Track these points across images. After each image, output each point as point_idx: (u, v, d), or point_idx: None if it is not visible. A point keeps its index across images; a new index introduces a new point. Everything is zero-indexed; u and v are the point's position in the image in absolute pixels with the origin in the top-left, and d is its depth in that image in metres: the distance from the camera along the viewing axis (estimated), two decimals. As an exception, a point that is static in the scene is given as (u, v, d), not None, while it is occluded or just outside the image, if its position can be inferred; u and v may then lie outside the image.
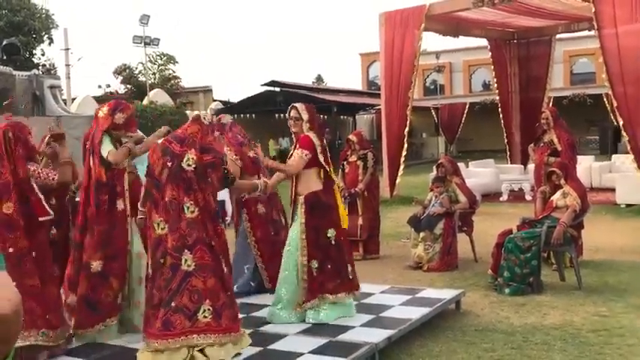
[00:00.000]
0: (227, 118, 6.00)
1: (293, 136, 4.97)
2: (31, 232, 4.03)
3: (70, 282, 4.56)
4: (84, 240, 4.48)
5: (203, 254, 3.93)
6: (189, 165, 3.94)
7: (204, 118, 4.08)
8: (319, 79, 50.99)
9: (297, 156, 4.69)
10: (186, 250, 3.89)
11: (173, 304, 3.85)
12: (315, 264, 4.65)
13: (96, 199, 4.46)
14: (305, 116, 4.79)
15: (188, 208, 3.93)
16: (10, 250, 3.89)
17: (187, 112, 20.86)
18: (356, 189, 7.69)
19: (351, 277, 4.80)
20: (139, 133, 4.87)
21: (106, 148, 4.48)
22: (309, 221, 4.66)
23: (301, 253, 4.66)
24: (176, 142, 4.02)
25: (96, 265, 4.43)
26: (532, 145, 7.57)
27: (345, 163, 8.00)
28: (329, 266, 4.68)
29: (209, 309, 3.87)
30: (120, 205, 4.52)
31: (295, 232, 4.73)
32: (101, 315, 4.44)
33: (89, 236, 4.46)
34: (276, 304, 4.76)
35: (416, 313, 4.83)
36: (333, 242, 4.71)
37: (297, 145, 4.74)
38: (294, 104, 4.90)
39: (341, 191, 7.53)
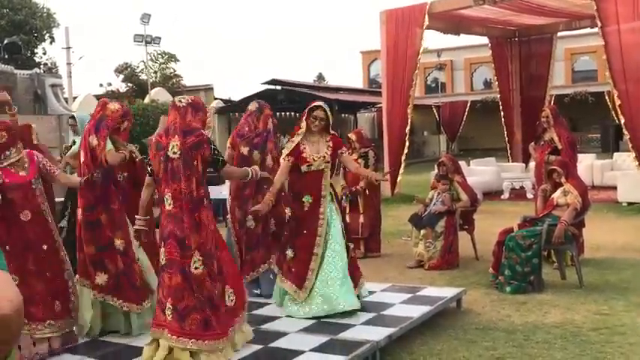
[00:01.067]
0: (253, 105, 5.89)
1: (301, 130, 4.92)
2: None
3: (94, 261, 4.46)
4: (98, 218, 4.47)
5: (171, 249, 3.79)
6: (174, 153, 3.83)
7: (180, 101, 3.99)
8: (320, 77, 50.99)
9: (351, 158, 5.17)
10: (162, 244, 3.87)
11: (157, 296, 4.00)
12: (350, 245, 5.12)
13: (104, 181, 4.53)
14: (331, 119, 4.94)
15: (167, 200, 3.85)
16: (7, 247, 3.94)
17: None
18: (357, 187, 7.68)
19: None
20: (130, 146, 5.00)
21: (107, 147, 4.54)
22: (341, 210, 5.10)
23: (347, 240, 5.00)
24: (164, 135, 3.95)
25: (119, 244, 4.49)
26: (533, 143, 7.56)
27: None
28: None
29: (170, 307, 3.78)
30: (115, 204, 4.62)
31: (336, 225, 4.90)
32: (143, 292, 4.51)
33: (106, 214, 4.49)
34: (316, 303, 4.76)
35: (417, 311, 4.83)
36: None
37: (340, 147, 4.96)
38: (321, 104, 4.97)
39: (342, 189, 7.54)
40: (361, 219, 7.70)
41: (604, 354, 4.18)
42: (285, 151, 4.95)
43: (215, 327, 3.78)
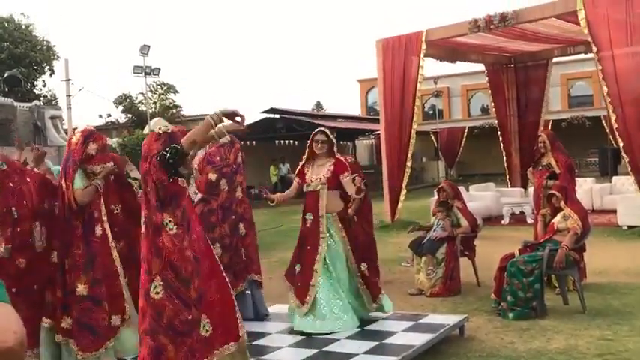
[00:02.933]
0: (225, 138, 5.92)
1: (306, 155, 5.37)
2: None
3: (59, 305, 4.50)
4: (63, 262, 4.49)
5: (142, 272, 3.78)
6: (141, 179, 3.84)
7: (160, 129, 3.90)
8: (318, 105, 51.29)
9: (350, 179, 5.20)
10: None
11: None
12: (364, 265, 5.38)
13: (69, 223, 4.49)
14: (333, 140, 5.33)
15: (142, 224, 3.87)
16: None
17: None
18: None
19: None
20: (110, 164, 4.77)
21: (75, 185, 4.50)
22: (348, 233, 5.30)
23: (350, 261, 5.27)
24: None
25: (81, 289, 4.45)
26: (531, 168, 7.59)
27: None
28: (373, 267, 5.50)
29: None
30: (98, 230, 4.56)
31: (335, 247, 5.21)
32: (100, 338, 4.47)
33: (69, 260, 4.47)
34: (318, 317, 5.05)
35: (420, 339, 4.79)
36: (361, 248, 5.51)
37: (342, 170, 5.25)
38: (321, 128, 5.41)
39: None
40: None
41: (609, 380, 4.15)
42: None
43: (171, 357, 3.61)
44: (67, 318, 4.49)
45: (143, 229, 3.80)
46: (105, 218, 4.67)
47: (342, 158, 5.40)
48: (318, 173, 5.27)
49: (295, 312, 5.18)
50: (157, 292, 3.64)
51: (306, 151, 5.38)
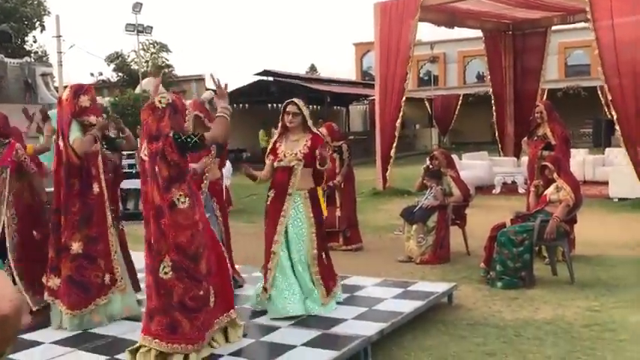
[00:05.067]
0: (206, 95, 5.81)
1: (279, 129, 4.91)
2: None
3: (52, 265, 4.53)
4: (59, 221, 4.49)
5: (146, 252, 3.80)
6: (145, 155, 3.77)
7: (160, 101, 3.81)
8: (313, 68, 50.80)
9: (327, 155, 4.85)
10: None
11: None
12: (324, 254, 4.86)
13: (67, 182, 4.47)
14: (306, 112, 4.82)
15: (142, 202, 3.88)
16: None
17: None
18: (334, 181, 7.69)
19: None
20: (101, 119, 4.72)
21: (73, 136, 4.45)
22: (316, 215, 4.80)
23: (311, 246, 4.74)
24: (142, 134, 3.88)
25: (76, 247, 4.45)
26: (526, 138, 7.56)
27: None
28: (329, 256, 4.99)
29: (145, 306, 3.87)
30: (95, 188, 4.54)
31: (300, 226, 4.73)
32: (91, 295, 4.48)
33: (64, 218, 4.47)
34: (278, 298, 4.65)
35: (408, 306, 4.82)
36: (325, 234, 5.01)
37: (317, 145, 4.73)
38: (293, 99, 4.88)
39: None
40: (338, 212, 7.76)
41: (594, 350, 4.19)
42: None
43: (187, 332, 3.70)
44: (54, 278, 4.49)
45: (144, 210, 3.81)
46: (102, 176, 4.63)
47: (317, 132, 4.97)
48: (292, 148, 4.76)
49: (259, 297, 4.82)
50: (166, 273, 3.70)
51: (279, 124, 4.89)
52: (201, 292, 3.74)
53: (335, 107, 30.97)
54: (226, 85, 4.13)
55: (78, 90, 4.59)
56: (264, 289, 4.73)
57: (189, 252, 3.70)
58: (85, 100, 4.54)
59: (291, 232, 4.73)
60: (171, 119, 3.75)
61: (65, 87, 20.94)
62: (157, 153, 3.68)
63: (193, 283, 3.71)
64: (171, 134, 3.69)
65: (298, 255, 4.73)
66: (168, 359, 3.71)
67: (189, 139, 3.71)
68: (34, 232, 4.76)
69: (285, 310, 4.58)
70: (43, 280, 4.56)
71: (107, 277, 4.56)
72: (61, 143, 4.51)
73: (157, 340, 3.68)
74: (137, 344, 3.81)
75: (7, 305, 1.18)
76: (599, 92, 23.92)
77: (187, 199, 3.70)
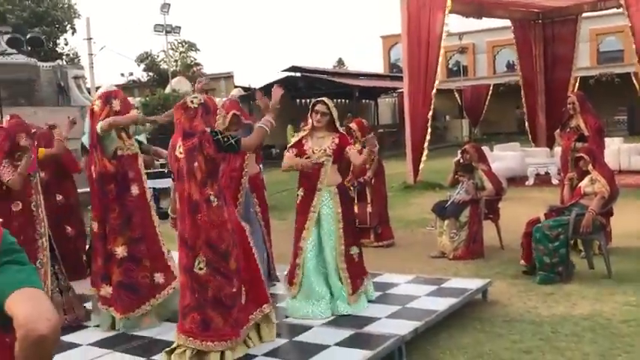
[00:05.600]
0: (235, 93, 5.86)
1: (306, 125, 4.95)
2: None
3: (99, 274, 4.62)
4: (103, 231, 4.57)
5: (180, 249, 3.85)
6: (180, 153, 3.82)
7: (192, 101, 3.87)
8: (340, 62, 50.56)
9: (356, 150, 4.95)
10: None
11: None
12: (355, 249, 4.85)
13: (102, 190, 4.55)
14: (334, 112, 4.85)
15: (178, 200, 3.91)
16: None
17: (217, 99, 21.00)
18: (364, 177, 7.67)
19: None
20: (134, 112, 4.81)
21: (107, 152, 4.56)
22: (344, 211, 4.81)
23: (339, 242, 4.75)
24: (176, 133, 3.93)
25: (121, 251, 4.52)
26: (559, 130, 7.41)
27: None
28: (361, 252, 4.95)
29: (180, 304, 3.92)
30: (134, 190, 4.59)
31: (330, 223, 4.75)
32: (141, 296, 4.52)
33: (108, 226, 4.56)
34: (304, 299, 4.70)
35: (442, 304, 4.78)
36: (357, 230, 5.03)
37: (346, 145, 4.83)
38: (323, 99, 4.91)
39: (349, 180, 7.49)
40: (369, 208, 7.72)
41: (635, 347, 4.10)
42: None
43: (221, 328, 3.75)
44: (106, 286, 4.57)
45: (179, 207, 3.86)
46: (144, 177, 4.70)
47: (344, 133, 5.07)
48: (320, 145, 4.81)
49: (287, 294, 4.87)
50: (201, 269, 3.76)
51: (308, 121, 4.93)
52: (234, 289, 3.81)
53: (363, 101, 30.83)
54: (276, 102, 4.23)
55: (108, 97, 4.67)
56: (290, 282, 4.77)
57: (220, 250, 3.77)
58: (116, 105, 4.62)
59: (323, 228, 4.76)
60: (204, 119, 3.83)
61: (97, 88, 21.28)
62: (194, 148, 3.76)
63: (225, 280, 3.78)
64: (208, 130, 3.79)
65: (329, 251, 4.74)
66: (204, 359, 3.75)
67: (225, 139, 3.80)
68: (68, 228, 4.90)
69: (308, 313, 4.61)
70: (92, 290, 4.68)
71: (158, 277, 4.59)
72: (95, 157, 4.58)
73: (190, 338, 3.73)
74: (173, 345, 3.86)
75: (44, 325, 1.17)
76: (633, 78, 23.44)
77: (216, 199, 3.78)
